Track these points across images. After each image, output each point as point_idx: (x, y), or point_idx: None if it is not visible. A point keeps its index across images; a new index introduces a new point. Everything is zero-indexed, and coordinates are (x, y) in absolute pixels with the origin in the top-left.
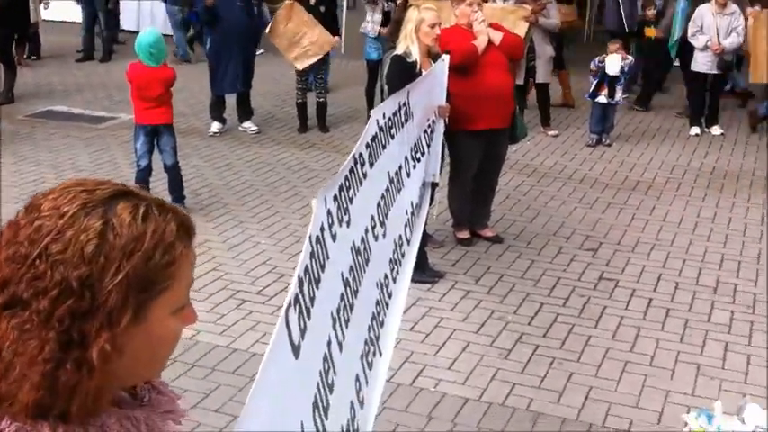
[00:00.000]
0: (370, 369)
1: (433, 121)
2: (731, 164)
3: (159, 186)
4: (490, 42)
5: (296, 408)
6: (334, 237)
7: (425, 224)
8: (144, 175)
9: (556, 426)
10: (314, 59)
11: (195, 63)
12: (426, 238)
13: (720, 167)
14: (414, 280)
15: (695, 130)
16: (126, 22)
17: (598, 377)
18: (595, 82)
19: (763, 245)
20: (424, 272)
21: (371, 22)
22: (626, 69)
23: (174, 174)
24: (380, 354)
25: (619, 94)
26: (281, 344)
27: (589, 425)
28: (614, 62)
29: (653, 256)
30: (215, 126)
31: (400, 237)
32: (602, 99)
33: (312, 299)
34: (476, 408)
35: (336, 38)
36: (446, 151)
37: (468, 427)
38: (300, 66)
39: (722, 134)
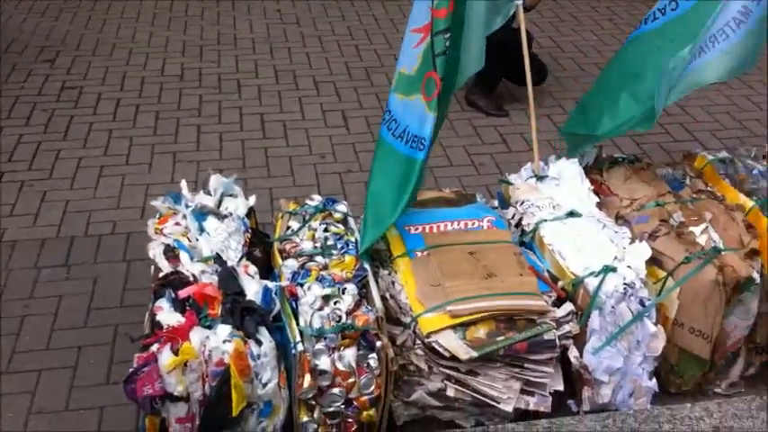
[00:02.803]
0: None
1: None
2: None
3: None
4: None
5: None
6: None
7: None
8: None
9: (35, 248)
10: None
11: None
12: None
13: None
14: None
15: None
16: None
17: (74, 189)
18: None
19: (222, 27)
20: None
21: None
22: None
23: None
24: None
25: None
26: None
27: (71, 238)
28: None
29: (115, 55)
30: None
31: None
32: None
33: None
34: None
35: None
36: None
37: None
38: None
39: None
